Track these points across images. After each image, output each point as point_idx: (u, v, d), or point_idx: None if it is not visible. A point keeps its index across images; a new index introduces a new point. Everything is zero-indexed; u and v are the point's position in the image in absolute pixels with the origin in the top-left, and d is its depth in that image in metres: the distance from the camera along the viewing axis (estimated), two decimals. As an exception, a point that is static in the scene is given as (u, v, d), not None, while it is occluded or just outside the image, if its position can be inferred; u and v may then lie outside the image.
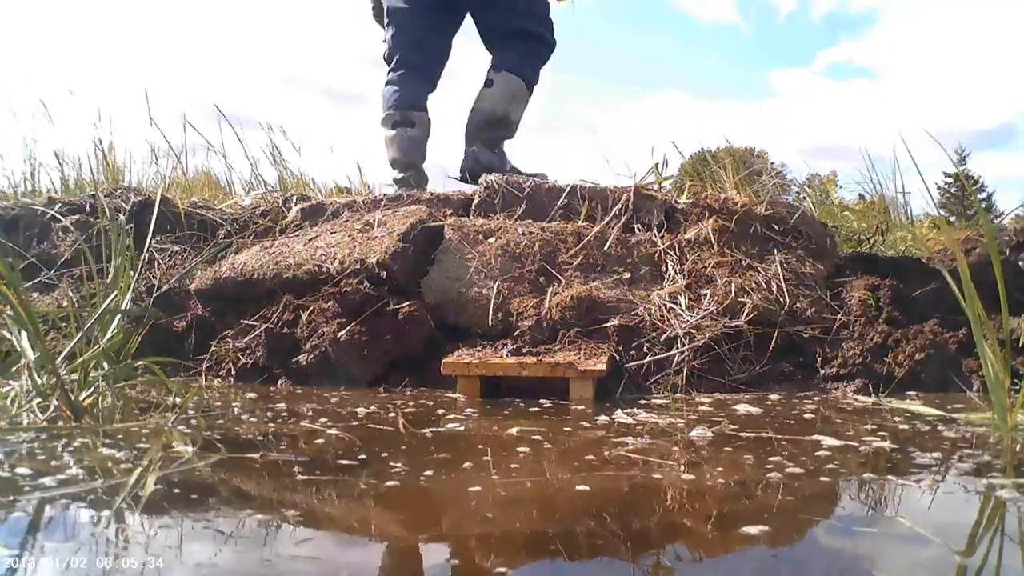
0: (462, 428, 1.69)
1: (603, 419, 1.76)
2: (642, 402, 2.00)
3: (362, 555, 0.97)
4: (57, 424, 1.55)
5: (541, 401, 2.01)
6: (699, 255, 2.57)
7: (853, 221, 3.41)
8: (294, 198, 3.27)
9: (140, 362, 1.86)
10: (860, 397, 2.08)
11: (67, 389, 1.59)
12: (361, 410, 1.86)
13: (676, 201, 2.88)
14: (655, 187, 2.98)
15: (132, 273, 2.00)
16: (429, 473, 1.28)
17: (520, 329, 2.31)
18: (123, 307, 1.87)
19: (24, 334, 1.63)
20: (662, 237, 2.66)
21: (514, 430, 1.63)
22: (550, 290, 2.42)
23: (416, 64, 3.41)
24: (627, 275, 2.51)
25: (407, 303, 2.35)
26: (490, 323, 2.35)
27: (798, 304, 2.37)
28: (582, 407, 1.94)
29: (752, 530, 0.99)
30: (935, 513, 1.11)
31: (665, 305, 2.35)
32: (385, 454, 1.40)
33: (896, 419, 1.74)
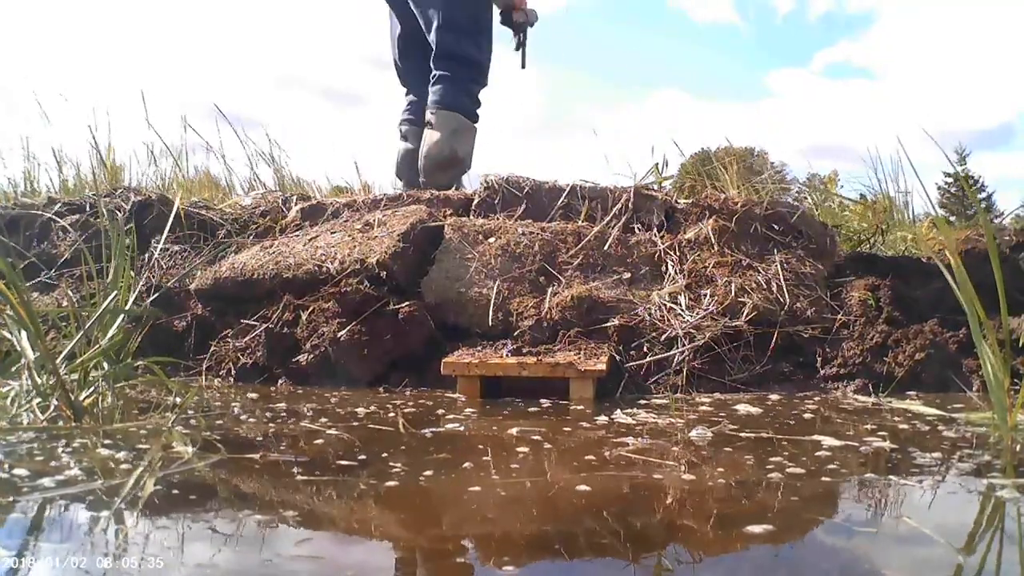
0: (462, 428, 1.69)
1: (603, 419, 1.75)
2: (642, 402, 2.00)
3: (362, 555, 0.97)
4: (57, 424, 1.55)
5: (541, 401, 2.01)
6: (699, 255, 2.57)
7: (853, 221, 3.41)
8: (294, 198, 3.27)
9: (140, 362, 1.86)
10: (860, 397, 2.08)
11: (67, 389, 1.59)
12: (361, 410, 1.86)
13: (676, 201, 2.87)
14: (655, 187, 2.98)
15: (132, 273, 2.00)
16: (429, 473, 1.28)
17: (520, 329, 2.31)
18: (125, 307, 1.87)
19: (24, 334, 1.63)
20: (662, 237, 2.66)
21: (514, 430, 1.63)
22: (550, 290, 2.42)
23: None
24: (627, 275, 2.51)
25: (407, 303, 2.35)
26: (490, 323, 2.35)
27: (798, 304, 2.37)
28: (582, 407, 1.93)
29: (753, 530, 0.99)
30: (935, 513, 1.11)
31: (665, 305, 2.35)
32: (385, 454, 1.40)
33: (896, 419, 1.75)
